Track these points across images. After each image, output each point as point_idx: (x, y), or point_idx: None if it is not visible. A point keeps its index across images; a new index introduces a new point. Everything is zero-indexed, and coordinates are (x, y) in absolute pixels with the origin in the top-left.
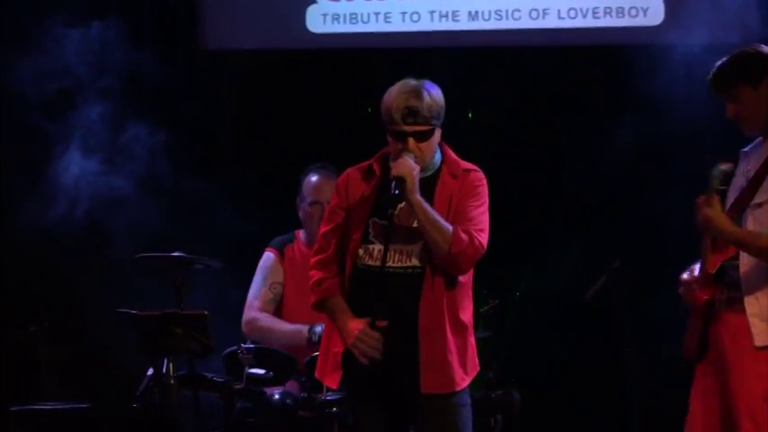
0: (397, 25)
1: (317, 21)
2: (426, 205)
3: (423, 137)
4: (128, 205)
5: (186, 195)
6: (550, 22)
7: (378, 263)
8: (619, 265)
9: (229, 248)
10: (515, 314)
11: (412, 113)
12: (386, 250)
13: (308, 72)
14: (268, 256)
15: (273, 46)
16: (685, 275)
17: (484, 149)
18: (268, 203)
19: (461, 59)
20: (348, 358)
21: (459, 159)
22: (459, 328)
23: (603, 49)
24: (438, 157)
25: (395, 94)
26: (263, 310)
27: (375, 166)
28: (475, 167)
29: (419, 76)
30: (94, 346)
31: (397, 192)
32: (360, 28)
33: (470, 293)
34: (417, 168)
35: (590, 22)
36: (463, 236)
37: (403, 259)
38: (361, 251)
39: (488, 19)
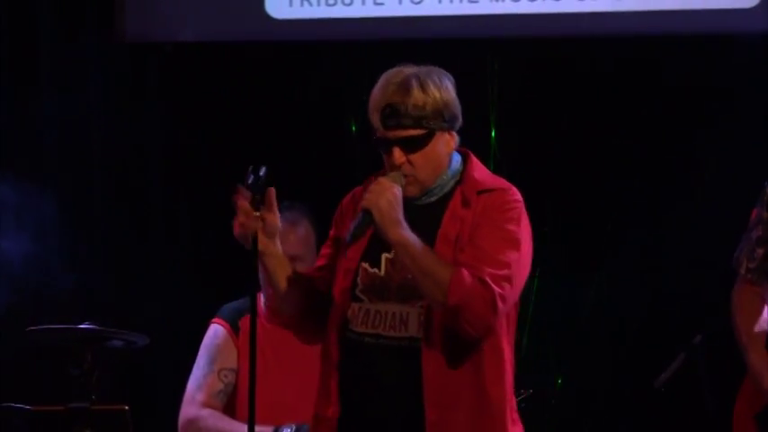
0: (392, 8)
1: (281, 2)
2: (412, 240)
3: (412, 145)
4: (15, 259)
5: (99, 245)
6: (605, 4)
7: (363, 329)
8: (701, 340)
9: (160, 318)
10: (557, 408)
11: (394, 113)
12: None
13: (268, 73)
14: (216, 332)
15: (219, 38)
16: None
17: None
18: (214, 255)
19: (482, 56)
20: None
21: (484, 176)
22: (491, 419)
23: (677, 38)
24: (452, 172)
25: (378, 86)
26: (208, 405)
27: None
28: (504, 185)
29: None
30: None
31: (356, 226)
32: (339, 12)
33: (506, 356)
34: (398, 193)
35: (661, 3)
36: (467, 279)
37: (396, 326)
38: (349, 311)
39: (518, 0)
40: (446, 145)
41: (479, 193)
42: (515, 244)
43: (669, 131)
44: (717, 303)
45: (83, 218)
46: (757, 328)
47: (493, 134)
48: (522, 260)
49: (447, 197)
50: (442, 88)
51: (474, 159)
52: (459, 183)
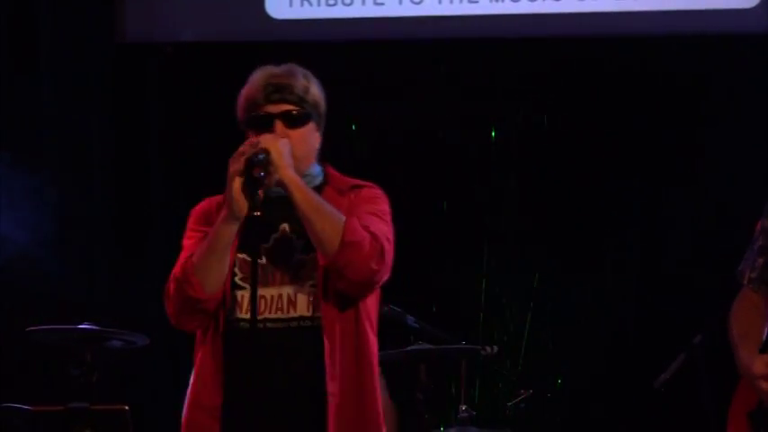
0: (392, 8)
1: (281, 2)
2: (306, 186)
3: (294, 121)
4: (15, 259)
5: (99, 244)
6: (605, 4)
7: (248, 315)
8: (701, 340)
9: (160, 318)
10: (557, 408)
11: (279, 89)
12: (254, 297)
13: None
14: None
15: (219, 38)
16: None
17: (511, 182)
18: None
19: (482, 56)
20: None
21: (346, 176)
22: (366, 386)
23: (678, 38)
24: (318, 171)
25: (257, 75)
26: None
27: None
28: (370, 183)
29: (422, 78)
30: None
31: (263, 174)
32: (339, 12)
33: (374, 327)
34: (288, 146)
35: (661, 3)
36: (359, 226)
37: (285, 308)
38: (231, 300)
39: (518, 0)
40: (315, 140)
41: (355, 186)
42: (389, 224)
43: (669, 131)
44: (717, 303)
45: (83, 217)
46: (751, 332)
47: (493, 134)
48: (392, 235)
49: (318, 189)
50: (320, 90)
51: (330, 166)
52: (324, 182)
